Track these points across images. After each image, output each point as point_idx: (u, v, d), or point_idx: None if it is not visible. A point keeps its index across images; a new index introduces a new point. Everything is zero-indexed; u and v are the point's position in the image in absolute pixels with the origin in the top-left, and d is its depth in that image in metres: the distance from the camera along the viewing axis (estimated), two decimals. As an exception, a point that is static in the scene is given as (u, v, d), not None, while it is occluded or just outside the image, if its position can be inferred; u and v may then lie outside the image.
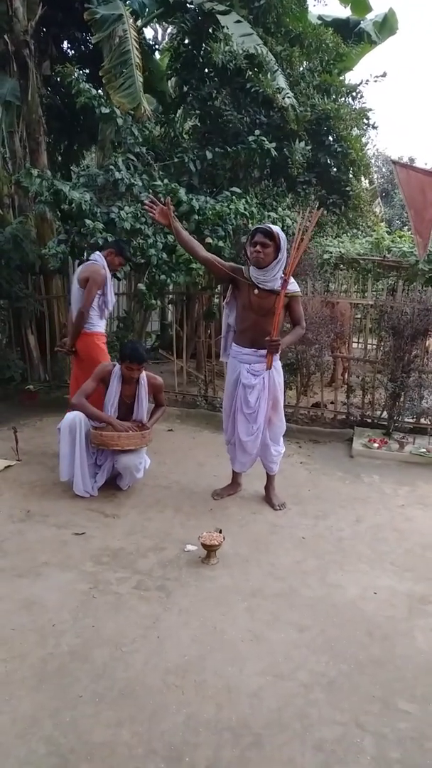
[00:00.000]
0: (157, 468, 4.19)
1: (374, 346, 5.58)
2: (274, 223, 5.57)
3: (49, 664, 2.20)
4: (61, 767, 1.76)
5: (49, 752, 1.81)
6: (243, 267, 3.44)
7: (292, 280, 3.35)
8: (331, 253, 7.22)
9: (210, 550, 2.96)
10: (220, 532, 3.05)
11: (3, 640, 2.32)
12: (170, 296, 7.20)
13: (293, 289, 3.40)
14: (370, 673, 2.23)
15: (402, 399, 5.06)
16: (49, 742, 1.85)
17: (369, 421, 5.36)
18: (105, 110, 5.21)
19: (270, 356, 3.36)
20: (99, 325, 4.28)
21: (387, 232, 8.65)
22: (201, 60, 6.58)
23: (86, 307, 4.17)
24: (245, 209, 5.45)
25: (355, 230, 8.67)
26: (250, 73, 6.04)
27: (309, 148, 6.38)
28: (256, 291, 3.34)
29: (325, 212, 7.19)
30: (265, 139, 5.68)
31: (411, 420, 5.20)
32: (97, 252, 4.30)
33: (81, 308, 4.18)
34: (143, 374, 3.79)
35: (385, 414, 5.23)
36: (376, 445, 4.77)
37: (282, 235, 3.29)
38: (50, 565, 2.91)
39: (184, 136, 7.13)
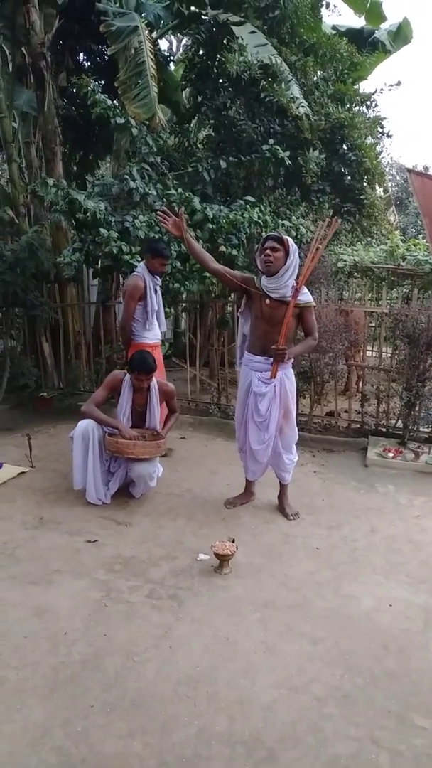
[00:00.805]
0: (169, 476, 4.18)
1: (389, 355, 5.53)
2: (287, 231, 5.58)
3: (61, 672, 2.20)
4: (72, 778, 1.75)
5: (60, 762, 1.80)
6: (254, 277, 3.45)
7: (305, 290, 3.35)
8: (345, 261, 7.21)
9: (223, 559, 2.94)
10: (233, 541, 3.02)
11: (15, 648, 2.32)
12: (183, 304, 7.21)
13: (305, 299, 3.38)
14: (386, 687, 2.19)
15: (417, 408, 5.01)
16: (60, 752, 1.84)
17: (383, 430, 5.31)
18: (120, 120, 5.26)
19: (275, 365, 3.35)
20: (145, 336, 4.29)
21: (401, 240, 8.63)
22: (215, 70, 6.63)
23: (125, 321, 4.26)
24: (259, 218, 5.46)
25: (369, 238, 8.64)
26: (265, 83, 6.07)
27: (323, 156, 6.38)
28: (267, 301, 3.34)
29: (339, 220, 7.19)
30: (279, 148, 5.70)
31: (426, 429, 5.14)
32: (141, 262, 4.32)
33: (122, 322, 4.27)
34: (154, 381, 3.80)
35: (399, 423, 5.18)
36: (390, 454, 4.71)
37: (291, 242, 3.30)
38: (62, 572, 2.91)
39: (198, 145, 7.18)
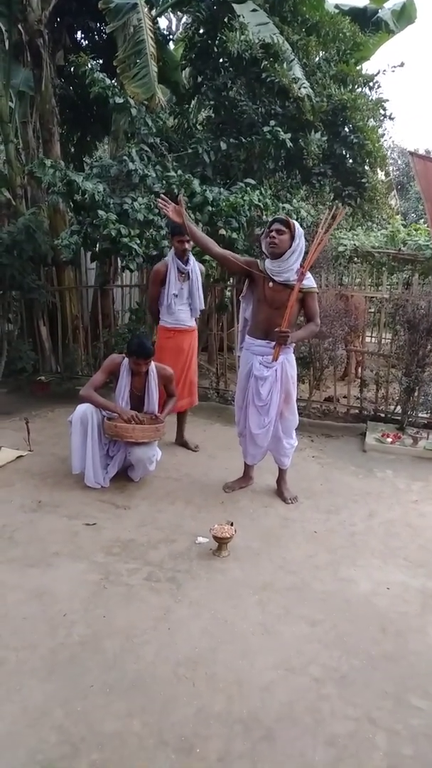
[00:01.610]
0: (168, 460, 4.18)
1: (388, 340, 5.52)
2: (288, 214, 5.52)
3: (60, 654, 2.21)
4: (72, 756, 1.76)
5: (60, 741, 1.81)
6: (258, 260, 3.42)
7: (308, 275, 3.32)
8: (345, 245, 7.14)
9: (221, 542, 2.95)
10: (232, 524, 3.03)
11: (14, 630, 2.33)
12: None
13: (309, 284, 3.36)
14: (383, 669, 2.20)
15: (416, 394, 5.00)
16: (60, 732, 1.85)
17: (382, 415, 5.31)
18: (119, 100, 5.17)
19: (278, 347, 3.33)
20: (164, 320, 4.35)
21: (402, 224, 8.56)
22: (216, 50, 6.50)
23: (149, 304, 4.50)
24: (259, 200, 5.39)
25: (369, 223, 8.56)
26: (266, 62, 5.95)
27: (325, 139, 6.28)
28: (270, 284, 3.32)
29: (340, 204, 7.12)
30: (280, 129, 5.61)
31: (425, 415, 5.14)
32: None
33: (148, 305, 4.51)
34: (152, 365, 3.78)
35: (398, 409, 5.17)
36: (389, 439, 4.72)
37: (298, 225, 3.28)
38: (61, 555, 2.91)
39: (198, 126, 7.06)
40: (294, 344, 3.49)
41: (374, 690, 2.09)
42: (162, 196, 3.48)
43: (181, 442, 4.63)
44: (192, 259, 4.28)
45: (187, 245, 4.14)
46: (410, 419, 5.05)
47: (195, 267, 4.31)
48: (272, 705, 2.00)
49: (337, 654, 2.27)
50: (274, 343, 3.36)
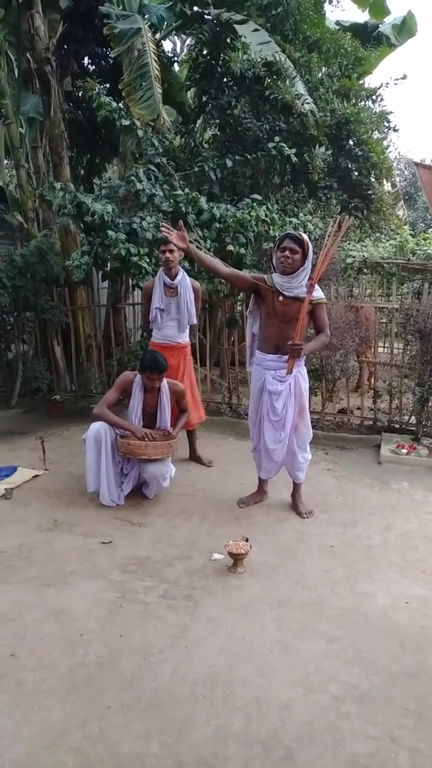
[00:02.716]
0: (182, 476, 4.18)
1: (400, 351, 5.49)
2: (295, 228, 5.56)
3: (78, 673, 2.20)
4: (91, 779, 1.75)
5: (78, 763, 1.80)
6: (265, 275, 3.44)
7: (316, 286, 3.34)
8: (354, 257, 7.15)
9: (237, 558, 2.93)
10: (247, 540, 3.01)
11: (31, 650, 2.33)
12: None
13: (318, 296, 3.38)
14: (404, 686, 2.17)
15: (430, 404, 4.96)
16: (78, 753, 1.84)
17: (397, 426, 5.27)
18: (125, 122, 5.29)
19: (291, 360, 3.34)
20: (154, 336, 4.40)
21: (411, 234, 8.54)
22: (219, 70, 6.63)
23: (143, 320, 4.52)
24: (266, 216, 5.45)
25: (378, 234, 8.57)
26: (269, 80, 6.06)
27: (329, 152, 6.35)
28: (280, 298, 3.33)
29: (347, 217, 7.15)
30: (285, 145, 5.69)
31: (440, 425, 5.09)
32: None
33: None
34: (164, 382, 3.80)
35: (413, 419, 5.13)
36: (404, 450, 4.67)
37: (309, 244, 3.30)
38: (77, 574, 2.92)
39: (204, 145, 7.18)
40: (305, 356, 3.49)
41: (395, 707, 2.06)
42: (164, 223, 3.49)
43: (194, 457, 4.63)
44: (181, 274, 4.26)
45: (168, 255, 4.10)
46: (425, 429, 5.00)
47: (184, 282, 4.26)
48: (291, 724, 1.97)
49: (356, 671, 2.24)
50: (285, 356, 3.37)
